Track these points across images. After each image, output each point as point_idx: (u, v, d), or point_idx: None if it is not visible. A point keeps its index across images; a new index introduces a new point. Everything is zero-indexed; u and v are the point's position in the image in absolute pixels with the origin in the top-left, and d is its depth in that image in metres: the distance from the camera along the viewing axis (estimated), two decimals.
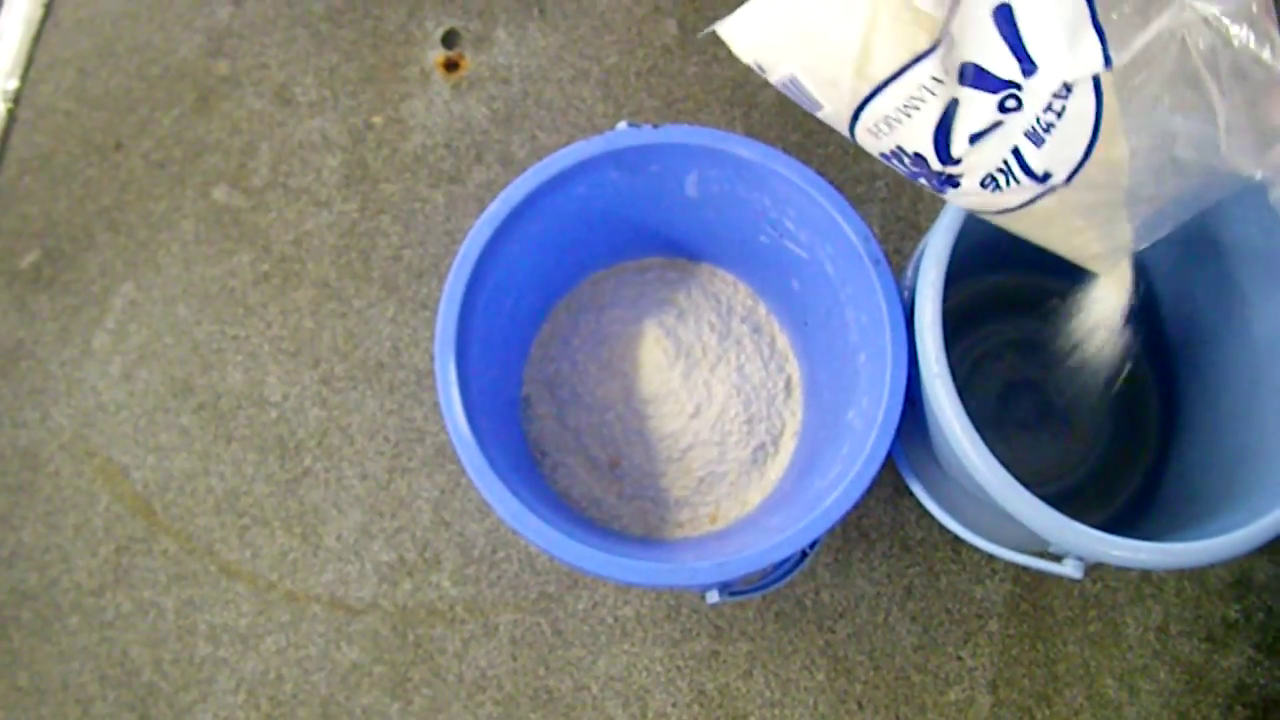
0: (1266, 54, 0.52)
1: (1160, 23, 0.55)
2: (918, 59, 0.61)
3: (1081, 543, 0.73)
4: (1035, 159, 0.64)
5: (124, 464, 1.03)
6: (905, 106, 0.64)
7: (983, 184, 0.66)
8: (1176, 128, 0.61)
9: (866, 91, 0.64)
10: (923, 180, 0.69)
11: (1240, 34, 0.53)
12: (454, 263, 0.77)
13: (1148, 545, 0.74)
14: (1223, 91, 0.56)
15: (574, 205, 0.86)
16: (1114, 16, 0.57)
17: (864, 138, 0.69)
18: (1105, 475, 0.99)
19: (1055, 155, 0.64)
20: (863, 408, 0.83)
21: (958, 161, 0.65)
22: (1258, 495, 0.78)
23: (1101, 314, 0.77)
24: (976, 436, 0.74)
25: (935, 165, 0.66)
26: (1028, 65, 0.61)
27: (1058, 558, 0.80)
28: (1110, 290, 0.75)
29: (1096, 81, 0.59)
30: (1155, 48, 0.56)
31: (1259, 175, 0.58)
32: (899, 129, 0.66)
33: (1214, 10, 0.54)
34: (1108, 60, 0.58)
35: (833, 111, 0.68)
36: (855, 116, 0.67)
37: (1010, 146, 0.64)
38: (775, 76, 0.68)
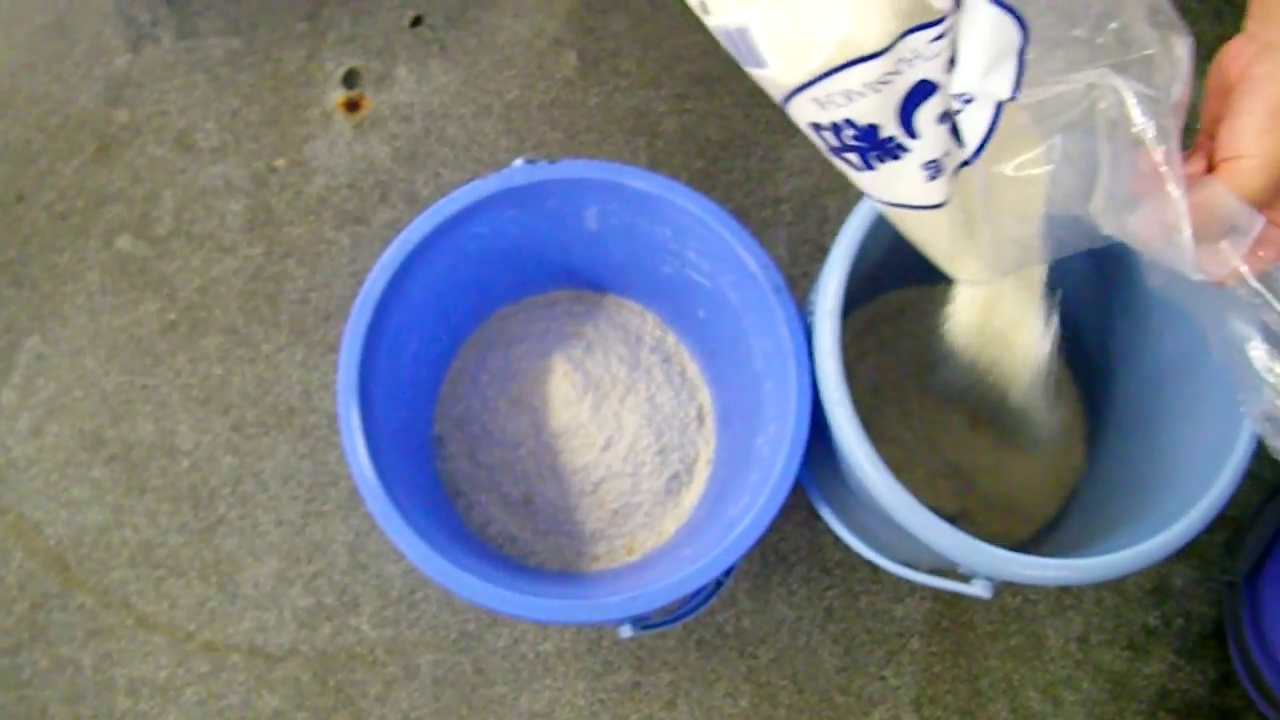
0: (1159, 154, 0.53)
1: (1081, 78, 0.56)
2: (921, 27, 0.53)
3: (986, 562, 0.76)
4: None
5: (36, 519, 1.05)
6: (881, 80, 0.56)
7: (925, 166, 0.63)
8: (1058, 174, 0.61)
9: (842, 61, 0.55)
10: (849, 156, 0.64)
11: (1140, 123, 0.54)
12: (353, 308, 0.79)
13: (1053, 562, 0.77)
14: (1111, 160, 0.56)
15: (474, 244, 0.89)
16: (1039, 61, 0.57)
17: (803, 107, 0.60)
18: (1032, 492, 1.01)
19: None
20: (770, 435, 0.85)
21: (917, 136, 0.60)
22: (1164, 508, 0.80)
23: (956, 329, 0.79)
24: (879, 461, 0.77)
25: (890, 132, 0.59)
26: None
27: (966, 578, 0.82)
28: (964, 306, 0.77)
29: (999, 106, 0.59)
30: (1067, 98, 0.57)
31: (1114, 236, 0.60)
32: (860, 102, 0.57)
33: (1132, 92, 0.55)
34: (1014, 94, 0.58)
35: (777, 74, 0.58)
36: (807, 85, 0.57)
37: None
38: (716, 20, 0.57)
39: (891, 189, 0.66)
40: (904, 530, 0.77)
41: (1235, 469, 0.79)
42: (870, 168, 0.64)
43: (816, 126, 0.62)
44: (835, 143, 0.63)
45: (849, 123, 0.59)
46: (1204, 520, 0.78)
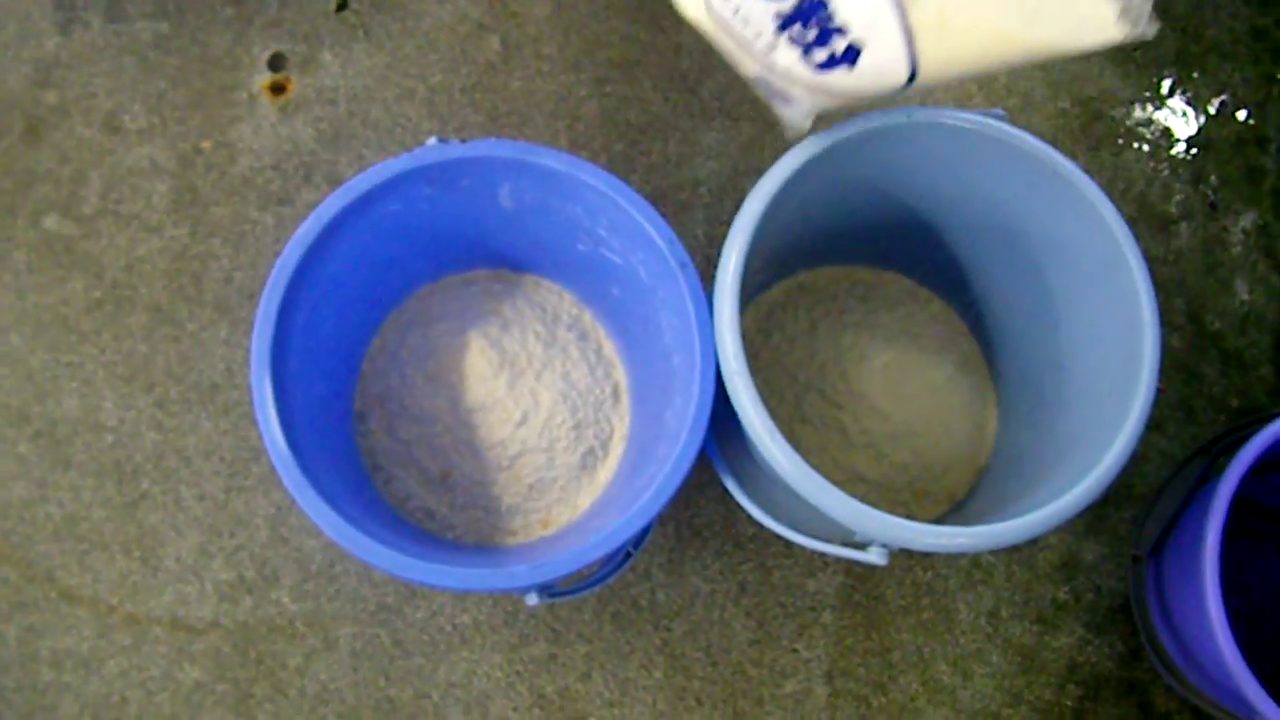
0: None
1: None
2: None
3: (879, 529, 0.79)
4: None
5: None
6: None
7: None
8: None
9: None
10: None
11: None
12: (267, 283, 0.82)
13: (946, 530, 0.81)
14: None
15: (390, 221, 0.92)
16: None
17: None
18: (946, 468, 1.04)
19: None
20: (677, 408, 0.89)
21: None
22: (1060, 483, 0.84)
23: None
24: (775, 429, 0.81)
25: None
26: None
27: (863, 546, 0.85)
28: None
29: None
30: None
31: None
32: None
33: None
34: None
35: None
36: None
37: None
38: None
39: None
40: (801, 498, 0.80)
41: (1123, 447, 0.82)
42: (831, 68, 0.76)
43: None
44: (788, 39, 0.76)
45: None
46: (1088, 497, 0.82)
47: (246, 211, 1.16)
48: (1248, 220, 1.23)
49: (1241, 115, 1.27)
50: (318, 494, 0.81)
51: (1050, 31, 0.70)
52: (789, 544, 1.10)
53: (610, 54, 1.22)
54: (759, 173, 0.86)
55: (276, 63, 1.21)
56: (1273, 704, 0.89)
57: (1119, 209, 0.85)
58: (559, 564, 0.81)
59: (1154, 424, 1.16)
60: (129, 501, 1.09)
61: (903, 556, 1.11)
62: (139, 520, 1.09)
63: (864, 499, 0.79)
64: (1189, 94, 1.28)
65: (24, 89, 1.19)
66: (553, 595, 0.91)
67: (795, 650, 1.09)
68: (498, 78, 1.21)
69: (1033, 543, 1.12)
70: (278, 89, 1.20)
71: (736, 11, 0.77)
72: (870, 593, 1.10)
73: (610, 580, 0.95)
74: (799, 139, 0.86)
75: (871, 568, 1.10)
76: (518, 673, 1.07)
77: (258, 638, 1.07)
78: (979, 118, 0.87)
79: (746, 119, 1.21)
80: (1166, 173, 1.24)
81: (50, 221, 1.15)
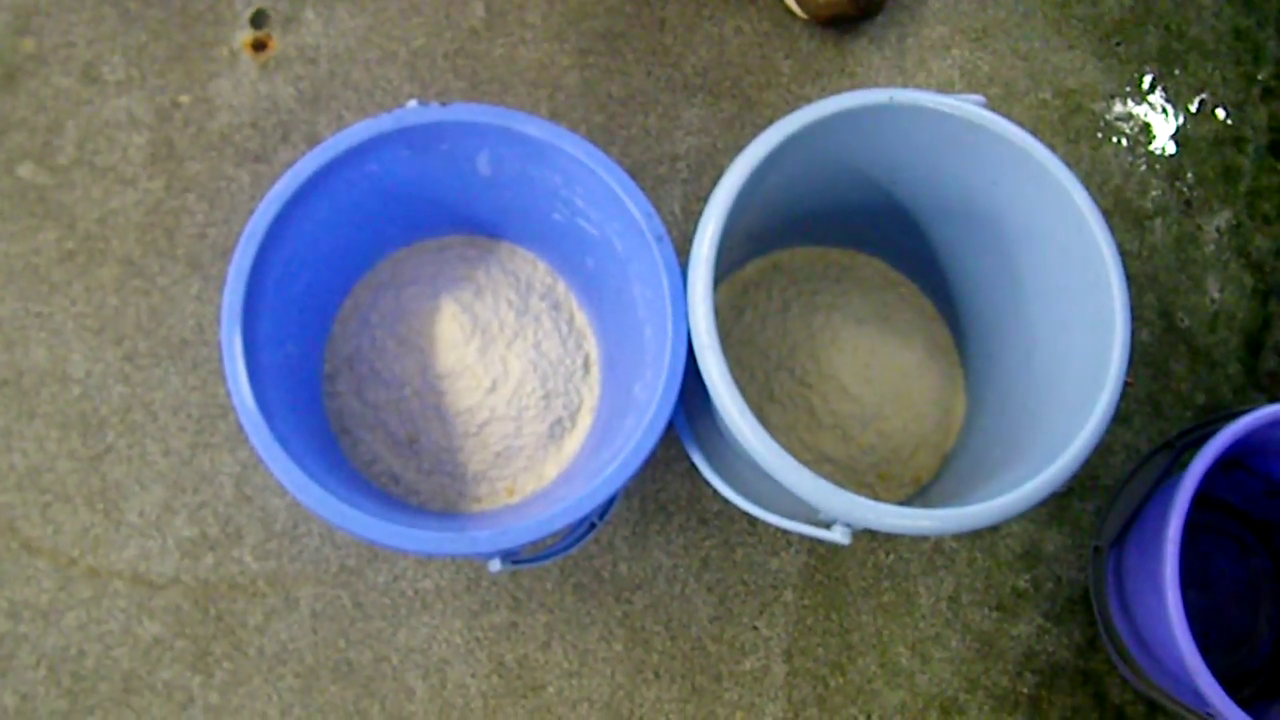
0: None
1: None
2: None
3: (843, 508, 0.80)
4: None
5: None
6: None
7: None
8: None
9: None
10: None
11: None
12: (240, 240, 0.82)
13: (909, 511, 0.82)
14: None
15: (367, 182, 0.92)
16: None
17: None
18: (914, 450, 1.05)
19: None
20: (647, 380, 0.89)
21: None
22: (1024, 471, 0.84)
23: None
24: (744, 404, 0.82)
25: None
26: None
27: (827, 525, 0.86)
28: None
29: None
30: None
31: None
32: None
33: None
34: None
35: None
36: None
37: None
38: None
39: None
40: (767, 475, 0.81)
41: (1089, 437, 0.83)
42: None
43: None
44: None
45: None
46: (1051, 485, 0.83)
47: (223, 168, 1.15)
48: (1222, 219, 1.24)
49: (1221, 114, 1.28)
50: (284, 453, 0.81)
51: None
52: (753, 522, 1.11)
53: (594, 25, 1.22)
54: (739, 150, 0.86)
55: (259, 20, 1.20)
56: (1226, 697, 0.90)
57: (1095, 201, 0.86)
58: (523, 531, 0.81)
59: (1121, 417, 1.17)
60: (94, 454, 1.09)
61: (865, 539, 1.11)
62: (103, 473, 1.09)
63: (830, 479, 0.80)
64: (1170, 91, 1.28)
65: (2, 36, 1.19)
66: (516, 562, 0.91)
67: (755, 628, 1.10)
68: (480, 44, 1.20)
69: (995, 530, 1.13)
70: (259, 46, 1.19)
71: None
72: (832, 574, 1.11)
73: (574, 550, 0.96)
74: None
75: (834, 549, 1.11)
76: (477, 639, 1.07)
77: (218, 595, 1.07)
78: (959, 102, 0.87)
79: (728, 96, 1.21)
80: (1144, 168, 1.25)
81: (24, 170, 1.14)
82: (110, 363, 1.11)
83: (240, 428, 1.05)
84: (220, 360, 0.82)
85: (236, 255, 0.85)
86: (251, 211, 0.85)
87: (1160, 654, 0.99)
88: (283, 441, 0.82)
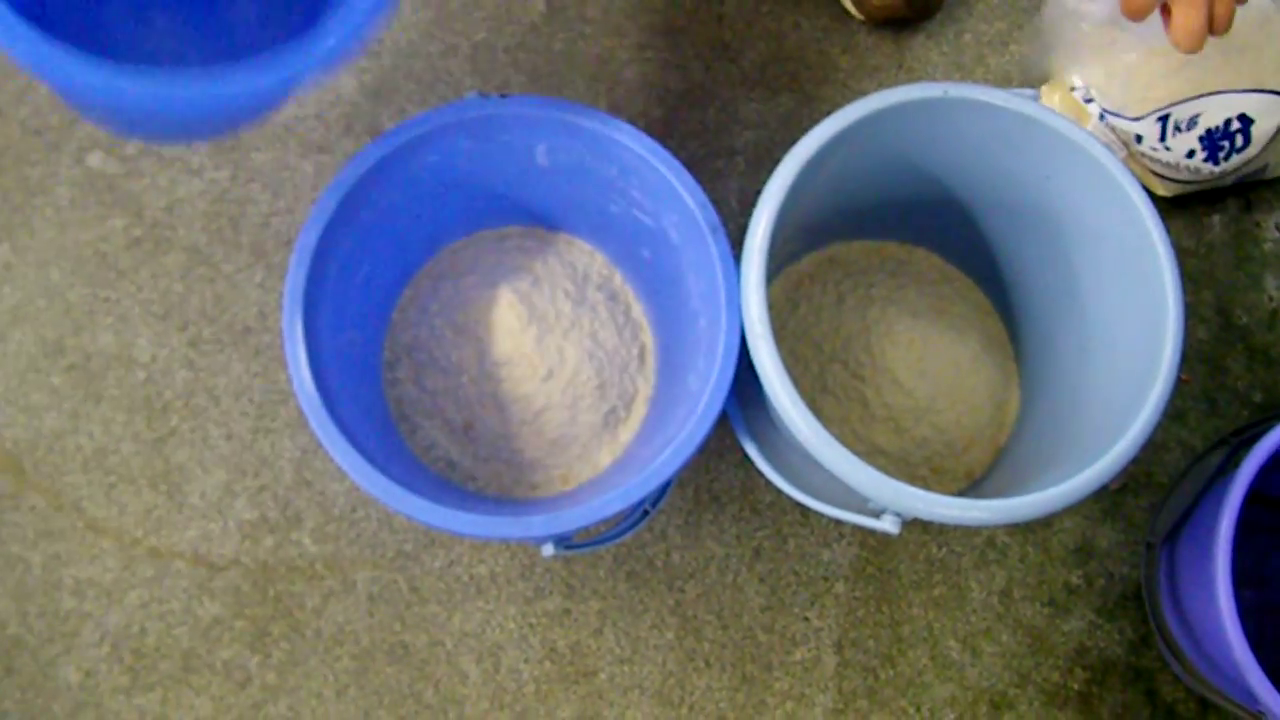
0: None
1: None
2: None
3: (892, 496, 0.81)
4: None
5: None
6: None
7: None
8: None
9: None
10: None
11: None
12: (303, 229, 0.84)
13: (961, 501, 0.83)
14: None
15: (427, 173, 0.94)
16: None
17: None
18: (968, 443, 1.06)
19: None
20: (701, 371, 0.90)
21: None
22: (1076, 464, 0.85)
23: None
24: (795, 393, 0.83)
25: None
26: None
27: (876, 514, 0.86)
28: None
29: None
30: None
31: None
32: None
33: None
34: None
35: None
36: None
37: None
38: None
39: None
40: (819, 464, 0.82)
41: (1141, 430, 0.84)
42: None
43: None
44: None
45: None
46: (1103, 477, 0.83)
47: (286, 158, 1.18)
48: None
49: None
50: (344, 438, 0.83)
51: None
52: (805, 513, 1.12)
53: (653, 20, 1.23)
54: (796, 143, 0.87)
55: None
56: (1277, 694, 0.90)
57: (1151, 196, 0.87)
58: (576, 515, 0.83)
59: (1176, 414, 1.17)
60: (158, 437, 1.12)
61: (917, 532, 1.12)
62: (166, 456, 1.11)
63: (882, 471, 0.81)
64: None
65: None
66: (569, 547, 0.93)
67: (806, 619, 1.10)
68: (540, 38, 1.22)
69: (1048, 525, 1.14)
70: None
71: None
72: (884, 566, 1.12)
73: (627, 537, 0.97)
74: None
75: (886, 541, 1.12)
76: (531, 625, 1.09)
77: (277, 577, 1.09)
78: (1013, 96, 0.88)
79: (786, 91, 1.22)
80: None
81: (94, 159, 1.17)
82: (175, 348, 1.14)
83: (300, 413, 1.07)
84: (282, 347, 0.84)
85: (299, 243, 0.86)
86: (315, 201, 0.86)
87: (1212, 651, 1.00)
88: (342, 427, 0.84)
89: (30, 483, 1.11)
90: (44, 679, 1.07)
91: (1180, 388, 0.85)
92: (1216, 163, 1.13)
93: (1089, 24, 1.12)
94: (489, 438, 1.01)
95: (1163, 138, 1.12)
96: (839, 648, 1.10)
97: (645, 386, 1.05)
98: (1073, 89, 1.15)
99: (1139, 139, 1.12)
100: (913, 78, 1.25)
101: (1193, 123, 1.11)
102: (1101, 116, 1.13)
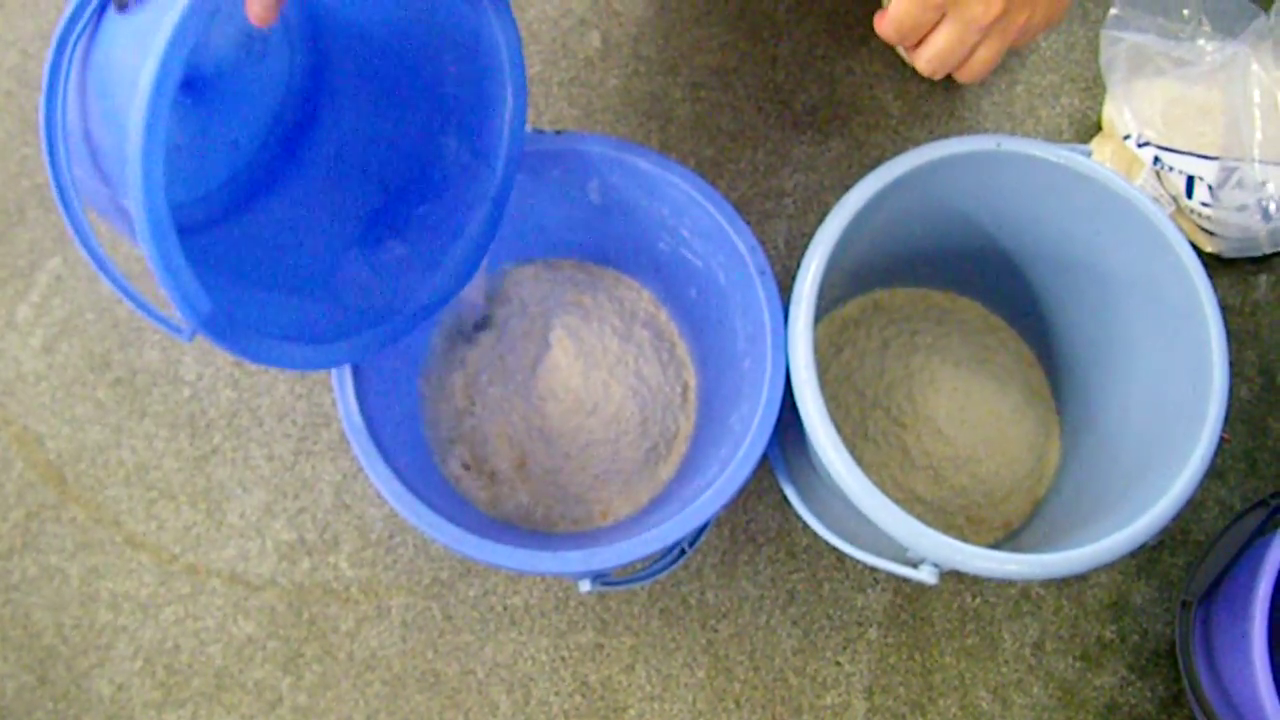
0: None
1: None
2: None
3: (931, 547, 0.82)
4: None
5: (39, 433, 1.12)
6: None
7: None
8: None
9: None
10: None
11: None
12: None
13: (998, 554, 0.83)
14: None
15: None
16: None
17: None
18: (1006, 494, 1.06)
19: None
20: (744, 412, 0.92)
21: None
22: (1117, 519, 0.85)
23: None
24: (838, 440, 0.84)
25: None
26: None
27: (915, 564, 0.87)
28: None
29: None
30: None
31: None
32: None
33: None
34: None
35: None
36: None
37: None
38: None
39: None
40: (859, 512, 0.83)
41: (1182, 490, 0.84)
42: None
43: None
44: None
45: None
46: (1143, 535, 0.84)
47: None
48: None
49: None
50: (385, 464, 0.85)
51: None
52: (841, 558, 1.13)
53: (707, 60, 1.25)
54: (845, 188, 0.89)
55: None
56: None
57: (1199, 255, 0.88)
58: (615, 553, 0.84)
59: (1216, 473, 1.18)
60: (200, 455, 1.14)
61: (952, 581, 1.13)
62: (208, 474, 1.13)
63: (920, 520, 0.82)
64: None
65: None
66: (606, 584, 0.94)
67: (838, 663, 1.12)
68: (595, 74, 1.24)
69: (1083, 579, 1.15)
70: None
71: None
72: (917, 613, 1.13)
73: (663, 575, 0.98)
74: None
75: (920, 589, 1.13)
76: (563, 658, 1.10)
77: (312, 599, 1.11)
78: (1066, 152, 0.89)
79: (837, 134, 1.24)
80: None
81: None
82: (220, 367, 1.16)
83: (342, 437, 1.10)
84: (325, 371, 0.86)
85: None
86: None
87: (1246, 713, 1.00)
88: (384, 453, 0.86)
89: (71, 494, 1.13)
90: (77, 690, 1.09)
91: (1220, 447, 0.85)
92: (1267, 219, 1.14)
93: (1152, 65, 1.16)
94: (535, 472, 1.03)
95: (1222, 185, 1.14)
96: (869, 693, 1.11)
97: (686, 424, 1.07)
98: (1126, 137, 1.16)
99: (1190, 192, 1.14)
100: (964, 126, 1.26)
101: (1262, 186, 1.13)
102: (1155, 161, 1.15)
